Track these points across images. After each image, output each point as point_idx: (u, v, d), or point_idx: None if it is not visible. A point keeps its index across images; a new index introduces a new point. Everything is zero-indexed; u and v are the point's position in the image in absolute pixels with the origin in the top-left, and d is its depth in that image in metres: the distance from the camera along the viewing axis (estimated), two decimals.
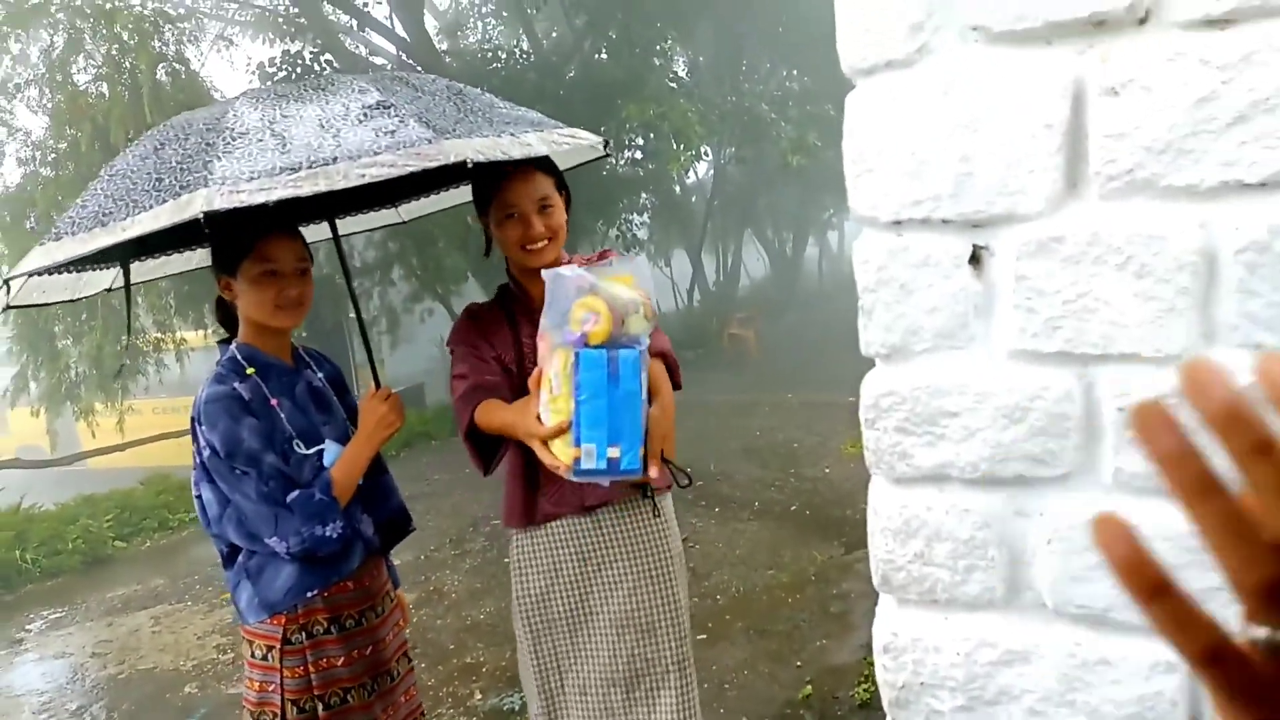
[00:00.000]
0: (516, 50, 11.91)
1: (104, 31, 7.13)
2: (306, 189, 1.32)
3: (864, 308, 0.91)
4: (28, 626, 4.58)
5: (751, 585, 4.08)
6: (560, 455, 1.45)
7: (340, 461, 1.75)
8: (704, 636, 3.57)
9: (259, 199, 1.31)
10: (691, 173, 13.08)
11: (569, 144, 1.76)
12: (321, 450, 1.76)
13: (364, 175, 1.36)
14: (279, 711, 1.74)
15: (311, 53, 9.58)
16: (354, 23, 10.98)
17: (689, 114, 9.18)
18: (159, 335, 8.07)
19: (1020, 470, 0.88)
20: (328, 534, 1.68)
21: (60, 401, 8.10)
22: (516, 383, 1.79)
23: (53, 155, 7.64)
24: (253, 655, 1.78)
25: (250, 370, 1.72)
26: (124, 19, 7.06)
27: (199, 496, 1.78)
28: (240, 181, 1.33)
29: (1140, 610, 0.33)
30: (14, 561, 5.16)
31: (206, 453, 1.68)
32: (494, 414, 1.68)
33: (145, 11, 7.59)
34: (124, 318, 7.90)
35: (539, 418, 1.49)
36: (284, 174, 1.34)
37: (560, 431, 1.44)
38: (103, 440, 8.10)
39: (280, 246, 1.71)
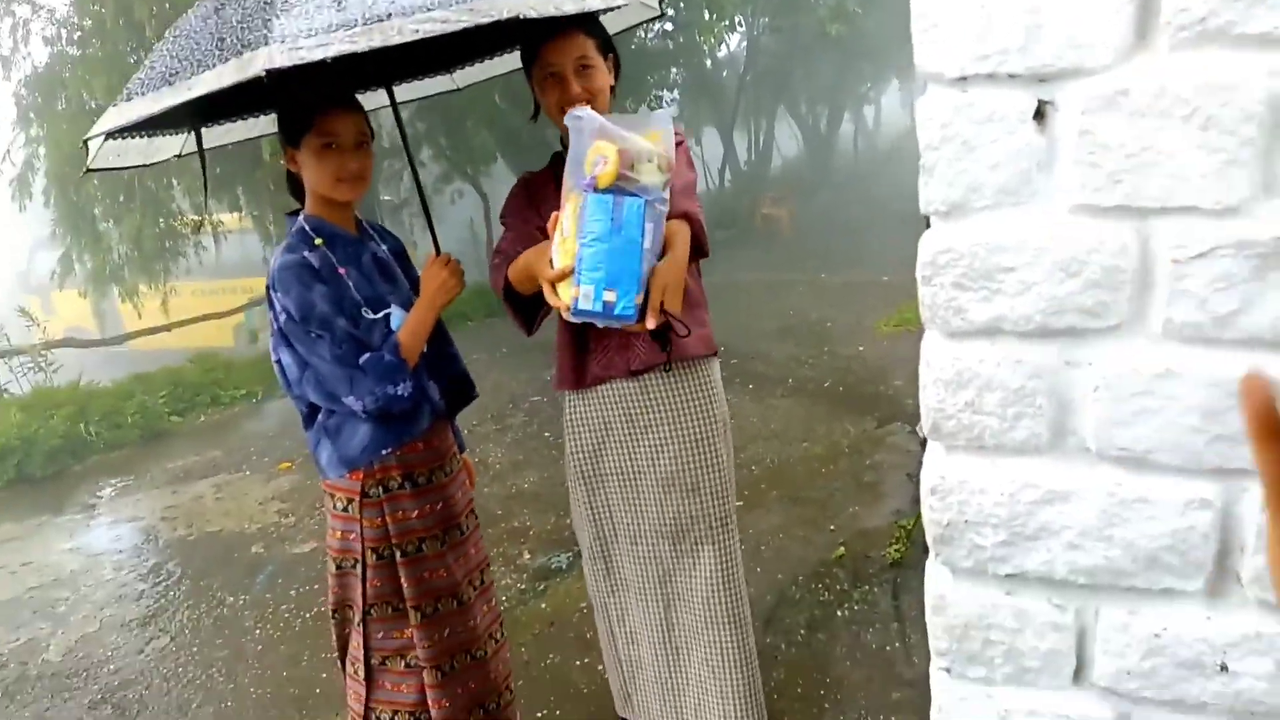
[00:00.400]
0: None
1: None
2: (362, 44, 1.34)
3: (925, 165, 0.93)
4: (99, 493, 4.87)
5: (786, 457, 4.21)
6: (563, 296, 1.49)
7: (406, 325, 1.86)
8: (741, 504, 3.72)
9: (317, 55, 1.32)
10: (723, 46, 12.60)
11: (623, 2, 1.75)
12: (388, 315, 1.85)
13: (418, 30, 1.37)
14: (359, 558, 1.91)
15: None
16: None
17: None
18: (195, 218, 8.15)
19: (1073, 322, 0.91)
20: (399, 393, 1.80)
21: (105, 283, 8.28)
22: None
23: (78, 33, 7.53)
24: (335, 507, 1.92)
25: (319, 241, 1.81)
26: None
27: (278, 361, 1.88)
28: (299, 38, 1.35)
29: (1254, 450, 0.42)
30: (79, 434, 5.44)
31: (283, 318, 1.78)
32: (518, 263, 1.72)
33: None
34: (159, 200, 7.98)
35: (551, 261, 1.52)
36: (340, 30, 1.36)
37: (566, 274, 1.48)
38: (147, 321, 8.33)
39: (340, 120, 1.75)
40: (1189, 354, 0.88)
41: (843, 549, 3.20)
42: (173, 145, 2.06)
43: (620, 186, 1.43)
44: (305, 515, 4.17)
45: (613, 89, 1.86)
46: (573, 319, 1.52)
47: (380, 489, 1.89)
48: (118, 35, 7.03)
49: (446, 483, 2.02)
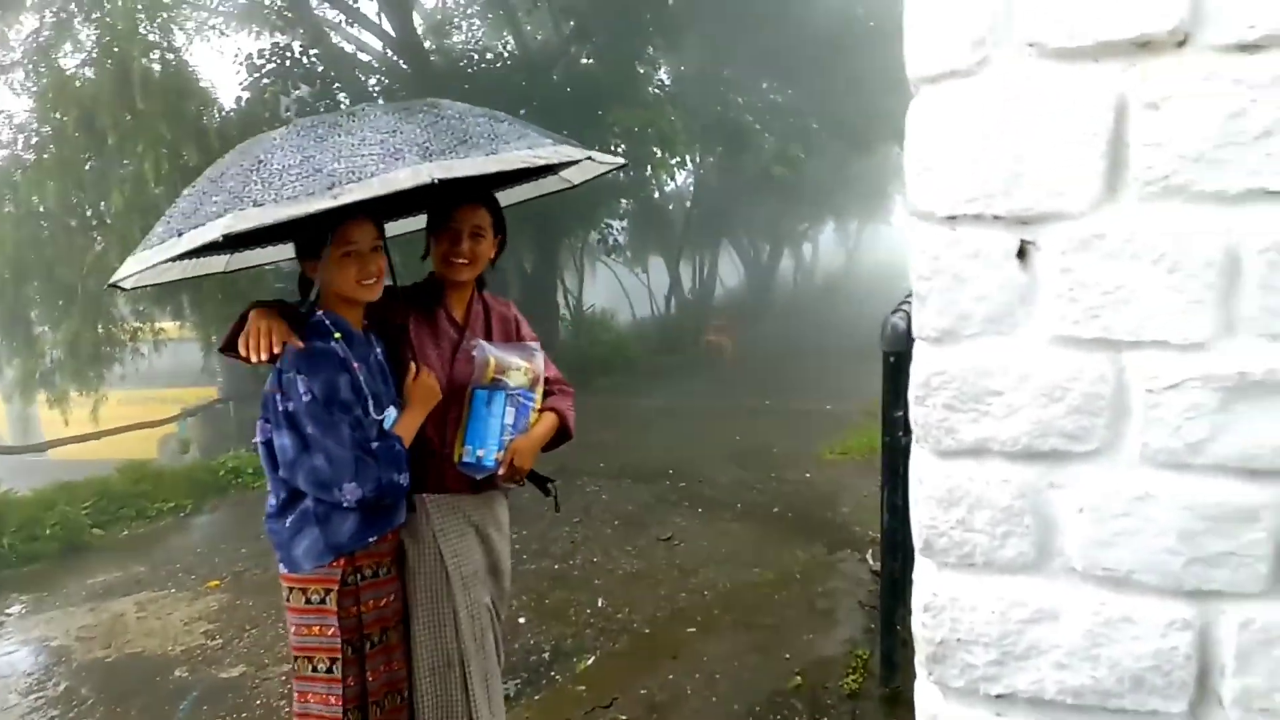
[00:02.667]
0: (504, 51, 11.97)
1: (95, 16, 7.08)
2: (409, 183, 1.67)
3: (918, 294, 1.00)
4: (8, 610, 4.53)
5: (738, 582, 4.17)
6: (455, 452, 2.11)
7: (402, 424, 2.00)
8: (694, 629, 3.65)
9: (358, 196, 1.64)
10: (671, 180, 13.21)
11: (580, 156, 2.13)
12: (384, 416, 1.98)
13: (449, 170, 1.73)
14: (337, 654, 1.93)
15: (300, 46, 9.55)
16: (342, 18, 10.98)
17: (676, 122, 9.30)
18: (137, 325, 7.99)
19: (1056, 445, 0.97)
20: (400, 481, 1.93)
21: (33, 388, 7.98)
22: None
23: (35, 139, 7.55)
24: (307, 601, 1.94)
25: (337, 335, 1.93)
26: (117, 7, 7.01)
27: (266, 443, 1.94)
28: (348, 180, 1.68)
29: None
30: None
31: (306, 399, 1.84)
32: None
33: None
34: (100, 305, 7.83)
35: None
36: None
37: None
38: (75, 429, 7.99)
39: (359, 229, 1.93)
40: (1165, 479, 0.93)
41: (799, 678, 3.14)
42: (216, 264, 2.27)
43: (494, 384, 2.11)
44: (234, 637, 3.93)
45: (493, 261, 2.27)
46: (459, 468, 2.11)
47: (358, 577, 1.96)
48: (78, 143, 7.07)
49: (400, 573, 2.10)
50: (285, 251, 2.32)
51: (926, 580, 1.06)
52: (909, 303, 3.00)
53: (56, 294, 7.67)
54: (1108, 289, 0.92)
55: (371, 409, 1.94)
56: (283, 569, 2.00)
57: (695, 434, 7.78)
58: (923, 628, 1.07)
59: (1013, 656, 1.02)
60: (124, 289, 2.00)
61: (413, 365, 2.07)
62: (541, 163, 1.99)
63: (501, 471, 2.10)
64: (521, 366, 2.14)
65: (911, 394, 1.04)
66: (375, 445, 1.90)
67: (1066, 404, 0.96)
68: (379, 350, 2.08)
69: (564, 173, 2.40)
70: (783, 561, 4.36)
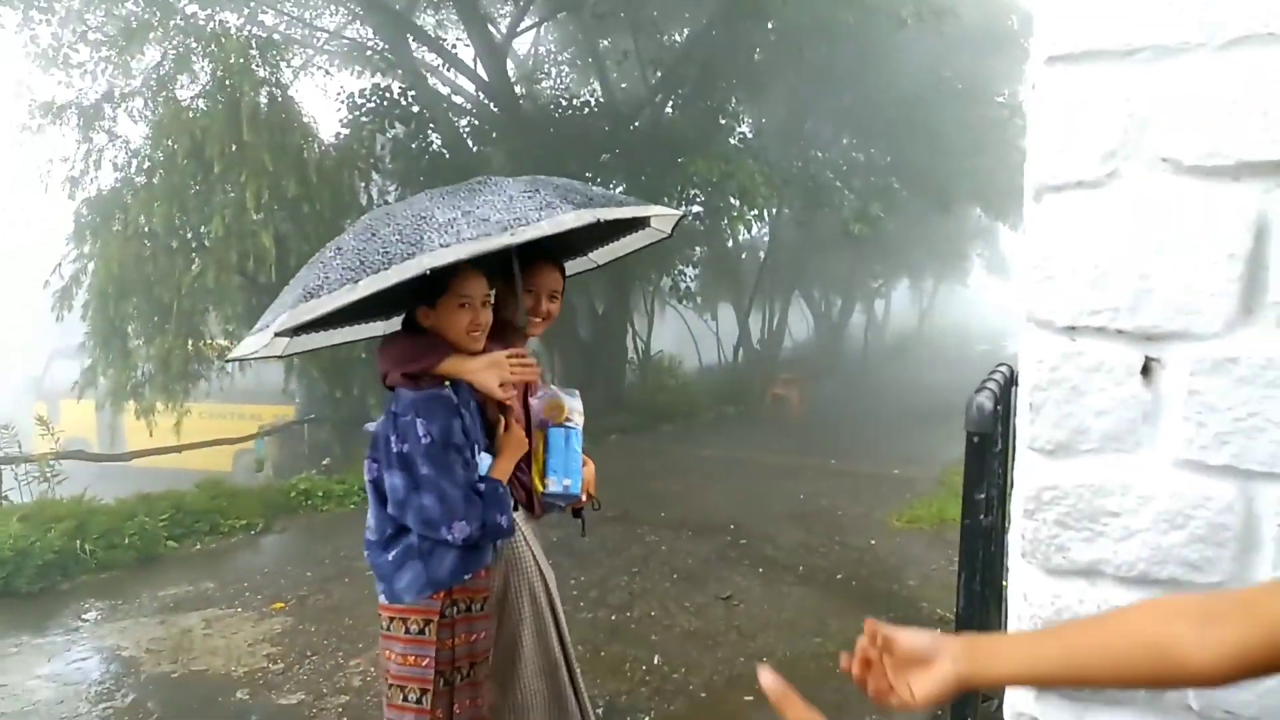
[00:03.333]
0: (591, 99, 12.25)
1: (212, 51, 7.50)
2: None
3: (1033, 404, 0.97)
4: (84, 616, 4.67)
5: (798, 651, 4.05)
6: (537, 483, 2.34)
7: (497, 469, 2.13)
8: (751, 698, 3.55)
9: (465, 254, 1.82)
10: (745, 231, 13.23)
11: (657, 213, 2.39)
12: (479, 459, 2.11)
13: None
14: (429, 686, 2.03)
15: (400, 87, 9.94)
16: (441, 62, 11.41)
17: (756, 175, 9.34)
18: (225, 344, 8.31)
19: (1176, 574, 0.92)
20: (502, 523, 2.05)
21: (125, 398, 8.34)
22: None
23: (147, 164, 7.98)
24: (407, 631, 2.06)
25: (448, 382, 2.05)
26: (232, 42, 7.42)
27: (374, 481, 2.07)
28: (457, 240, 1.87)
29: None
30: (73, 551, 5.29)
31: (426, 441, 1.96)
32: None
33: (251, 36, 7.99)
34: (193, 323, 8.18)
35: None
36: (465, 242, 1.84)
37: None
38: (156, 440, 8.30)
39: (472, 282, 2.06)
40: None
41: None
42: (346, 334, 2.48)
43: (565, 423, 2.35)
44: (295, 663, 3.98)
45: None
46: (545, 498, 2.33)
47: (455, 609, 2.06)
48: (187, 169, 7.46)
49: (494, 610, 2.20)
50: (367, 330, 2.52)
51: (1024, 704, 1.01)
52: (994, 378, 2.91)
53: (153, 310, 8.02)
54: (1240, 415, 0.88)
55: (478, 453, 2.09)
56: (383, 599, 2.10)
57: (758, 489, 7.66)
58: None
59: None
60: (251, 358, 2.10)
61: (502, 418, 2.20)
62: (645, 214, 2.33)
63: (584, 497, 2.39)
64: (579, 408, 2.42)
65: (1020, 506, 1.00)
66: (481, 487, 2.04)
67: (1189, 531, 0.91)
68: (475, 399, 2.19)
69: (656, 223, 2.56)
70: (846, 633, 4.22)
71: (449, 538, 1.99)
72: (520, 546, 2.32)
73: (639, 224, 2.59)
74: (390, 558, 2.07)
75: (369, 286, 1.77)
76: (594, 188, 2.32)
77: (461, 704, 2.09)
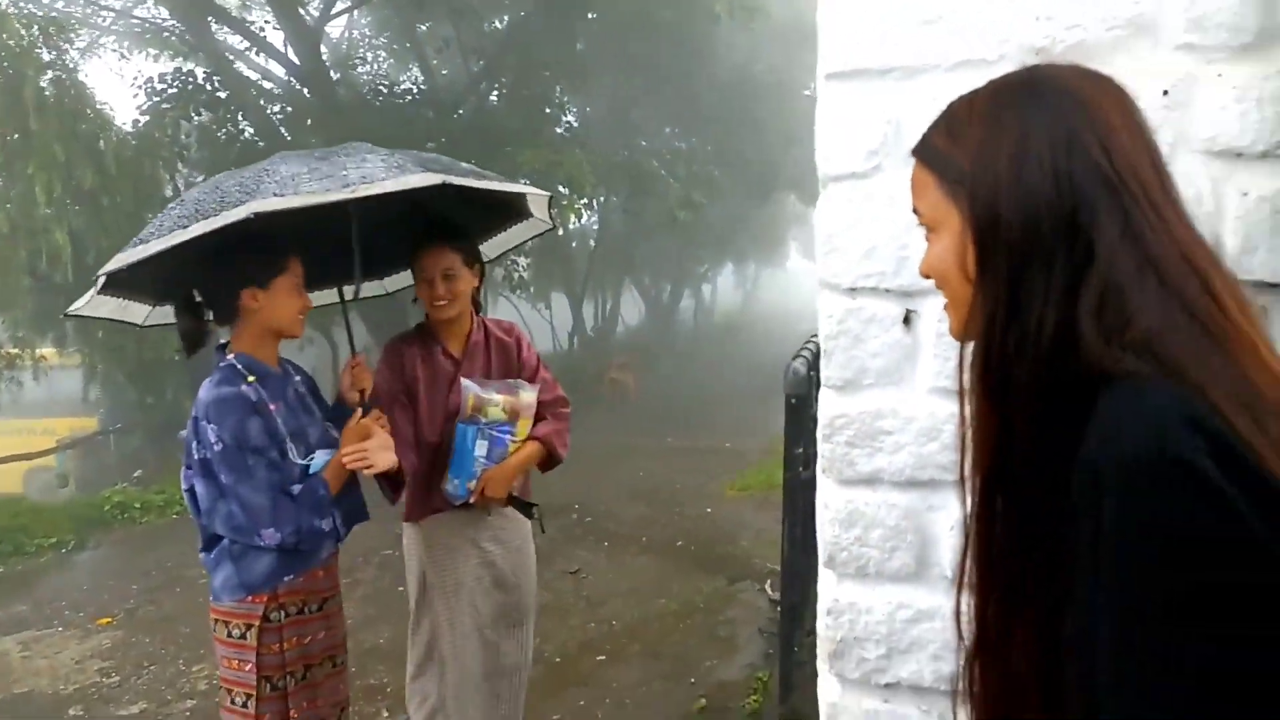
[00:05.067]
0: (412, 86, 12.02)
1: None
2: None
3: (825, 351, 1.21)
4: None
5: (644, 613, 4.32)
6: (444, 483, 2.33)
7: (331, 468, 2.00)
8: (603, 658, 3.79)
9: (295, 203, 1.77)
10: (575, 220, 13.46)
11: (518, 190, 2.35)
12: (312, 459, 2.01)
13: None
14: (253, 691, 1.93)
15: (205, 73, 9.38)
16: (248, 46, 10.82)
17: (583, 164, 9.54)
18: (15, 351, 7.60)
19: (933, 475, 1.19)
20: (323, 527, 1.95)
21: None
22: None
23: None
24: (229, 635, 1.96)
25: (251, 378, 1.95)
26: (9, 21, 6.78)
27: (190, 489, 1.96)
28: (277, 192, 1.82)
29: None
30: None
31: (218, 447, 1.86)
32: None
33: (30, 16, 7.31)
34: None
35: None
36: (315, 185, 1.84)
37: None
38: None
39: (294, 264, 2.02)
40: None
41: (704, 701, 3.32)
42: (139, 313, 2.24)
43: (472, 419, 2.28)
44: (132, 674, 3.81)
45: (477, 289, 2.41)
46: (448, 498, 2.32)
47: (282, 614, 1.96)
48: None
49: (334, 610, 2.13)
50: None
51: (828, 589, 1.27)
52: (808, 347, 3.27)
53: None
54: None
55: (291, 450, 1.96)
56: (211, 600, 2.01)
57: (600, 470, 7.92)
58: (825, 629, 1.27)
59: (898, 651, 1.23)
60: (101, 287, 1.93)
61: (358, 410, 2.11)
62: (505, 189, 2.25)
63: (472, 499, 2.32)
64: (499, 401, 2.32)
65: (819, 432, 1.25)
66: (296, 489, 1.93)
67: (940, 442, 1.18)
68: (299, 381, 2.11)
69: (538, 213, 2.54)
70: (686, 593, 4.55)
71: (261, 544, 1.90)
72: (450, 539, 2.33)
73: (520, 213, 2.55)
74: (211, 555, 1.98)
75: (198, 229, 1.71)
76: (463, 164, 2.27)
77: (299, 707, 2.00)
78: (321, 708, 2.07)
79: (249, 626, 1.94)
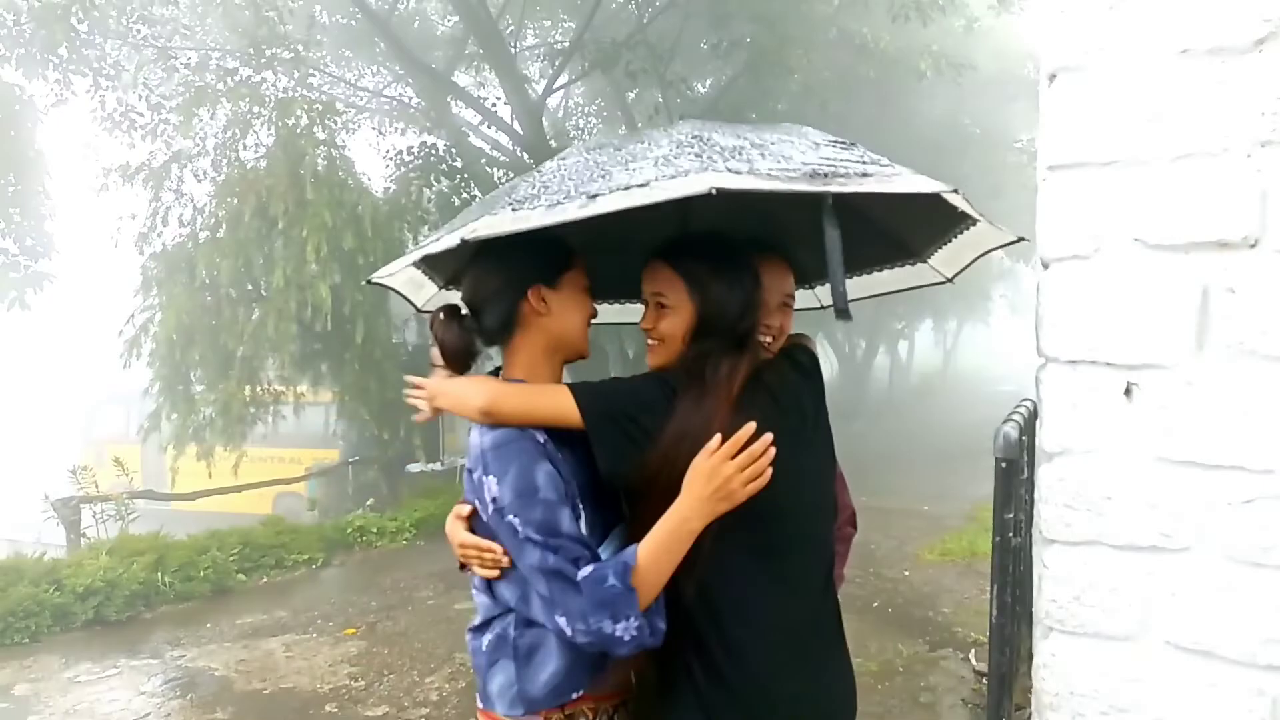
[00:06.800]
0: None
1: (276, 116, 8.08)
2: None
3: (1045, 417, 1.31)
4: (170, 642, 5.05)
5: None
6: None
7: (652, 540, 1.36)
8: None
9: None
10: None
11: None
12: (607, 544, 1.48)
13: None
14: None
15: (445, 145, 10.53)
16: (479, 119, 12.03)
17: None
18: (281, 389, 8.75)
19: (1154, 542, 1.25)
20: (617, 633, 1.32)
21: (186, 442, 8.78)
22: None
23: (213, 220, 8.52)
24: None
25: None
26: (293, 106, 7.99)
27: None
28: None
29: None
30: (154, 582, 5.69)
31: (490, 509, 1.42)
32: None
33: (309, 100, 8.58)
34: (253, 369, 8.64)
35: None
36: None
37: None
38: (202, 482, 8.72)
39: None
40: (1244, 573, 1.20)
41: None
42: (423, 295, 1.95)
43: None
44: (375, 680, 4.31)
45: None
46: None
47: None
48: (251, 226, 7.99)
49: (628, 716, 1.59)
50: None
51: (1044, 645, 1.34)
52: (1019, 411, 3.24)
53: (216, 357, 8.51)
54: (1197, 423, 1.21)
55: (581, 514, 1.42)
56: (479, 702, 1.56)
57: None
58: (1041, 681, 1.33)
59: (1115, 708, 1.28)
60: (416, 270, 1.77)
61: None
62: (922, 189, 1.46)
63: None
64: None
65: (1038, 495, 1.33)
66: (583, 574, 1.33)
67: (1164, 510, 1.24)
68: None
69: (934, 261, 1.92)
70: (884, 654, 4.50)
71: (563, 628, 1.37)
72: None
73: (901, 253, 1.92)
74: (484, 646, 1.53)
75: (611, 204, 1.22)
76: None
77: None
78: None
79: None
